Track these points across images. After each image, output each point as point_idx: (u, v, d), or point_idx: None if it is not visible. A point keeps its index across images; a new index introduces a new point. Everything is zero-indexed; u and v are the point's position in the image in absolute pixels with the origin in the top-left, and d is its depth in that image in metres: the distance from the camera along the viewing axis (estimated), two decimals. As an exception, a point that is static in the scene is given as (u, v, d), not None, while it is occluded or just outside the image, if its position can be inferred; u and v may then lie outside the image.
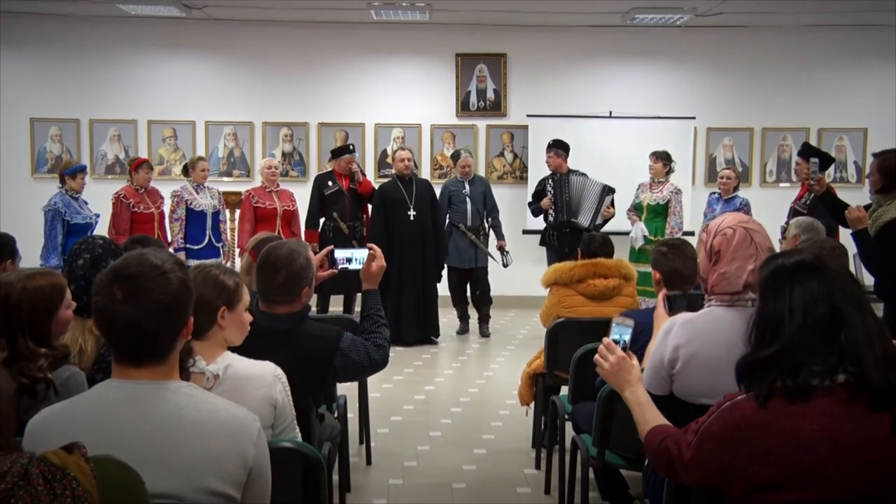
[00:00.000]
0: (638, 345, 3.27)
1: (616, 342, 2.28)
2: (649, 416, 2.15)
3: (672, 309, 2.88)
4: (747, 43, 9.48)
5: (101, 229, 7.05)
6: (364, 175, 7.85)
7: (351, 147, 7.86)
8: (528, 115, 9.34)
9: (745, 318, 2.10)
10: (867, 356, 1.80)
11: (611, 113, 9.34)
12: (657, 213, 7.61)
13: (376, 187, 7.81)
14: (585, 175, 7.77)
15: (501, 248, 7.97)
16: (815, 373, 1.81)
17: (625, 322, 2.35)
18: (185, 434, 1.71)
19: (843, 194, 5.62)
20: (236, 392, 2.32)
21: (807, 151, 6.69)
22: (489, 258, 7.95)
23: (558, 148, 7.81)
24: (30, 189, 9.05)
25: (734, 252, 2.42)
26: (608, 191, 7.64)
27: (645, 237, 7.46)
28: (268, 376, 2.47)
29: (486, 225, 7.98)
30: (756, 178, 9.65)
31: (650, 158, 7.73)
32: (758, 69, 9.51)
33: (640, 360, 3.23)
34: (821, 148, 7.96)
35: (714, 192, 7.85)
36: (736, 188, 7.63)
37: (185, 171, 7.59)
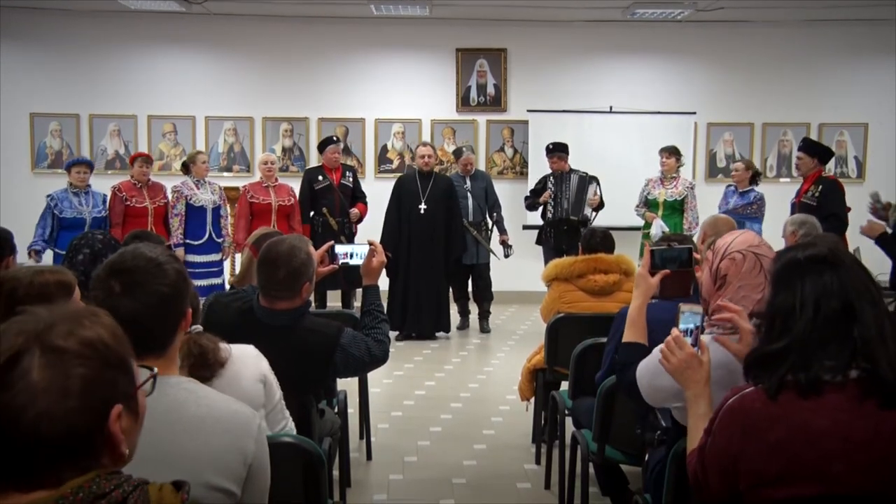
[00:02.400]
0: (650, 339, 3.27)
1: (687, 333, 2.10)
2: (700, 434, 1.99)
3: (656, 266, 2.53)
4: (748, 38, 9.46)
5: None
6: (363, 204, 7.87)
7: (334, 138, 7.96)
8: (528, 111, 9.32)
9: None
10: (880, 353, 1.77)
11: (611, 108, 9.33)
12: (674, 209, 7.61)
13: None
14: (586, 173, 7.77)
15: (504, 243, 7.95)
16: (826, 368, 1.78)
17: (693, 309, 2.13)
18: (184, 429, 1.71)
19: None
20: (233, 375, 2.32)
21: (807, 146, 6.70)
22: (491, 254, 7.94)
23: (559, 151, 7.80)
24: (30, 184, 9.04)
25: (741, 280, 2.22)
26: (589, 180, 7.66)
27: (664, 233, 7.44)
28: (251, 355, 2.47)
29: (489, 220, 7.98)
30: (756, 174, 9.64)
31: (661, 155, 7.71)
32: (758, 64, 9.49)
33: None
34: (822, 143, 7.94)
35: (731, 185, 7.75)
36: (753, 181, 7.49)
37: (185, 167, 7.42)
